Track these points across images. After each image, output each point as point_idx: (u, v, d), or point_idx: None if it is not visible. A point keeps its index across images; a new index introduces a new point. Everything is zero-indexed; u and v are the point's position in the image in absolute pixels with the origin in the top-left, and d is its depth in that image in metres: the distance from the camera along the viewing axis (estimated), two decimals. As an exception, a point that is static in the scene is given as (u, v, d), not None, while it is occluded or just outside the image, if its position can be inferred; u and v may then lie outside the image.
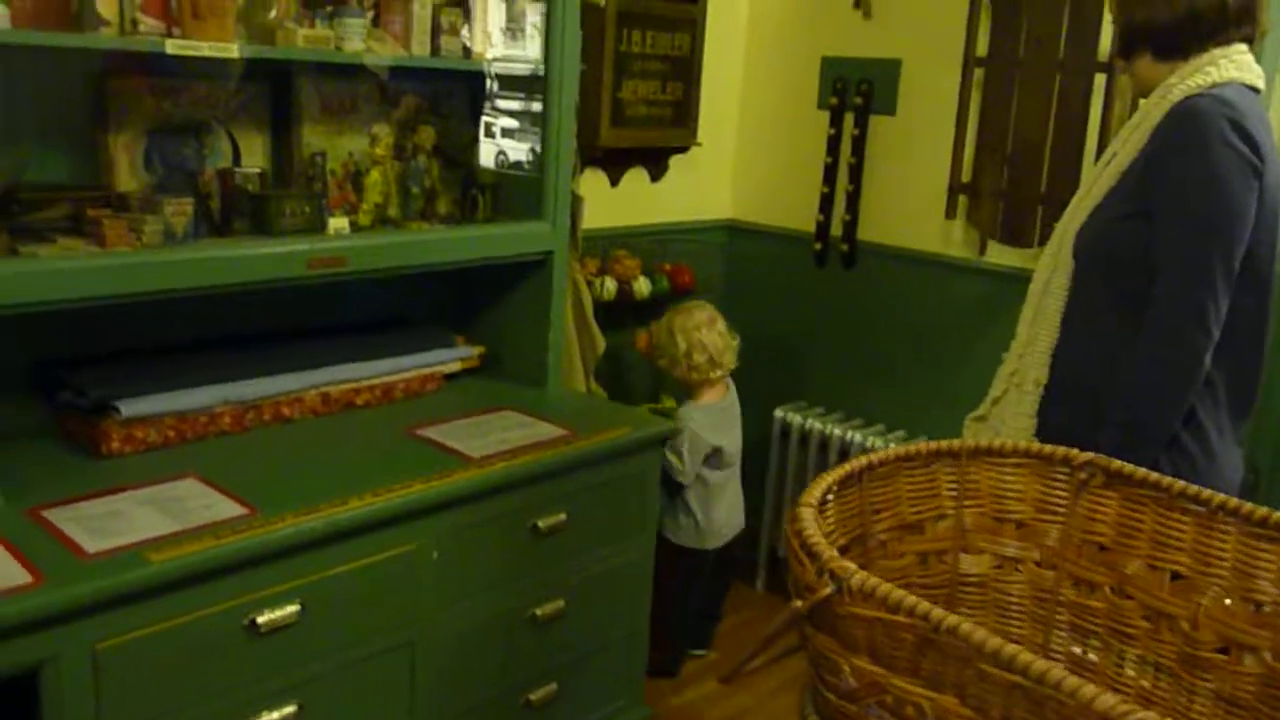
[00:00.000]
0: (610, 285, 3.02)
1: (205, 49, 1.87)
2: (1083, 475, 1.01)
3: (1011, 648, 0.65)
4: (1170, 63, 1.79)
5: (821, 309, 3.39)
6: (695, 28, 3.13)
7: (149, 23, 1.84)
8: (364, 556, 1.88)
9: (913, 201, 3.16)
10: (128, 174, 2.09)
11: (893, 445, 3.11)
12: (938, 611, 0.67)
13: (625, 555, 2.39)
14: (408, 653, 1.99)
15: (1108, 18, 1.87)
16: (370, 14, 2.21)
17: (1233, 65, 1.73)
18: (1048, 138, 2.75)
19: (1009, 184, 2.85)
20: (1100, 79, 2.64)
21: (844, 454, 3.20)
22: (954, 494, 1.00)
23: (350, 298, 2.44)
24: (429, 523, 1.97)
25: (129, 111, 2.07)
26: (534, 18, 2.44)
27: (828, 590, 0.71)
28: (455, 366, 2.53)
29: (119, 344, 2.13)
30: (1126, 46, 1.85)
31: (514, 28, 2.47)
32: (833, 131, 3.27)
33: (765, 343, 3.37)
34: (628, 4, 2.93)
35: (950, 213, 2.97)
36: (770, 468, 3.38)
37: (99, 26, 1.80)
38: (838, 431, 3.21)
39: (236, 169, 2.19)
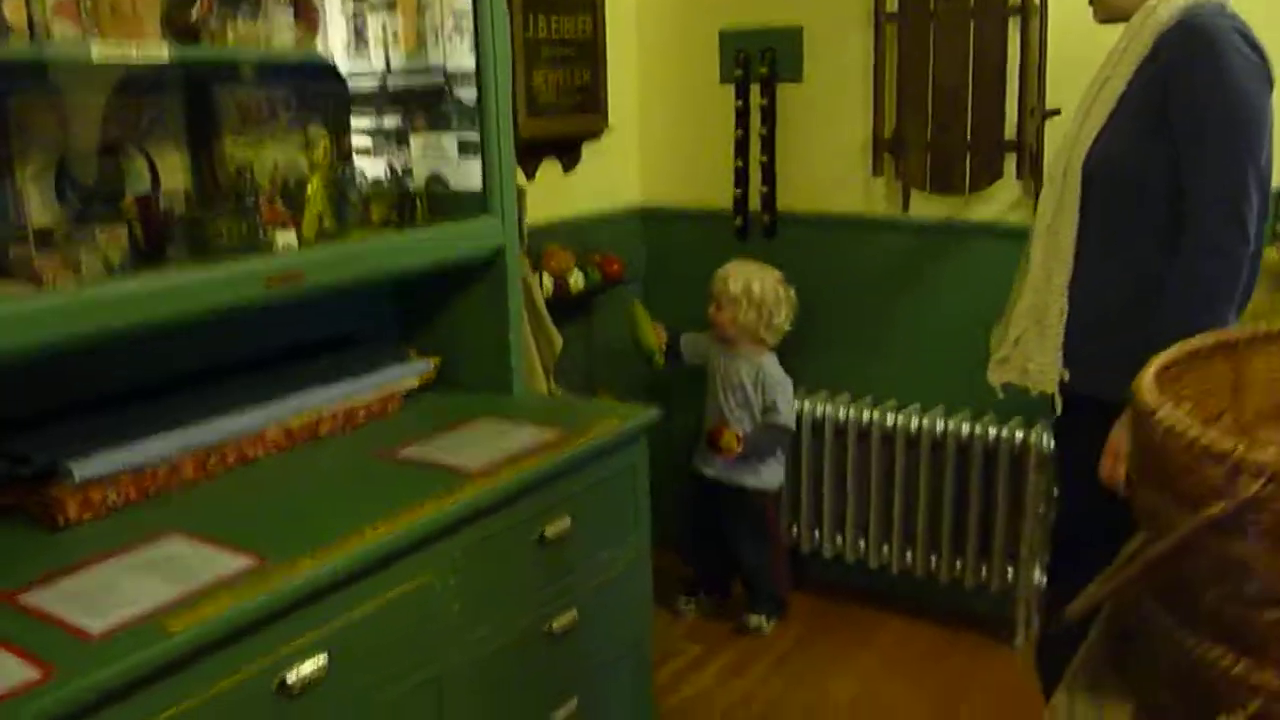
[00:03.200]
0: (547, 281, 2.89)
1: (134, 52, 1.66)
2: None
3: None
4: None
5: (748, 283, 3.34)
6: (595, 8, 3.03)
7: (65, 25, 1.61)
8: (385, 591, 1.71)
9: (830, 165, 3.15)
10: (41, 207, 1.84)
11: (842, 408, 3.11)
12: None
13: (627, 556, 2.27)
14: (435, 688, 1.82)
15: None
16: (290, 9, 2.02)
17: None
18: (968, 85, 2.78)
19: (934, 135, 2.87)
20: (1014, 22, 2.69)
21: (794, 425, 3.17)
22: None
23: (286, 321, 2.23)
24: (443, 546, 1.81)
25: (35, 138, 1.82)
26: (458, 8, 2.29)
27: (1257, 486, 0.64)
28: (414, 382, 2.35)
29: (53, 400, 1.88)
30: None
31: (440, 23, 2.32)
32: (740, 104, 3.23)
33: (694, 323, 3.30)
34: (529, -12, 2.81)
35: (878, 169, 2.98)
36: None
37: (5, 34, 1.57)
38: (785, 403, 3.18)
39: (158, 192, 1.97)
